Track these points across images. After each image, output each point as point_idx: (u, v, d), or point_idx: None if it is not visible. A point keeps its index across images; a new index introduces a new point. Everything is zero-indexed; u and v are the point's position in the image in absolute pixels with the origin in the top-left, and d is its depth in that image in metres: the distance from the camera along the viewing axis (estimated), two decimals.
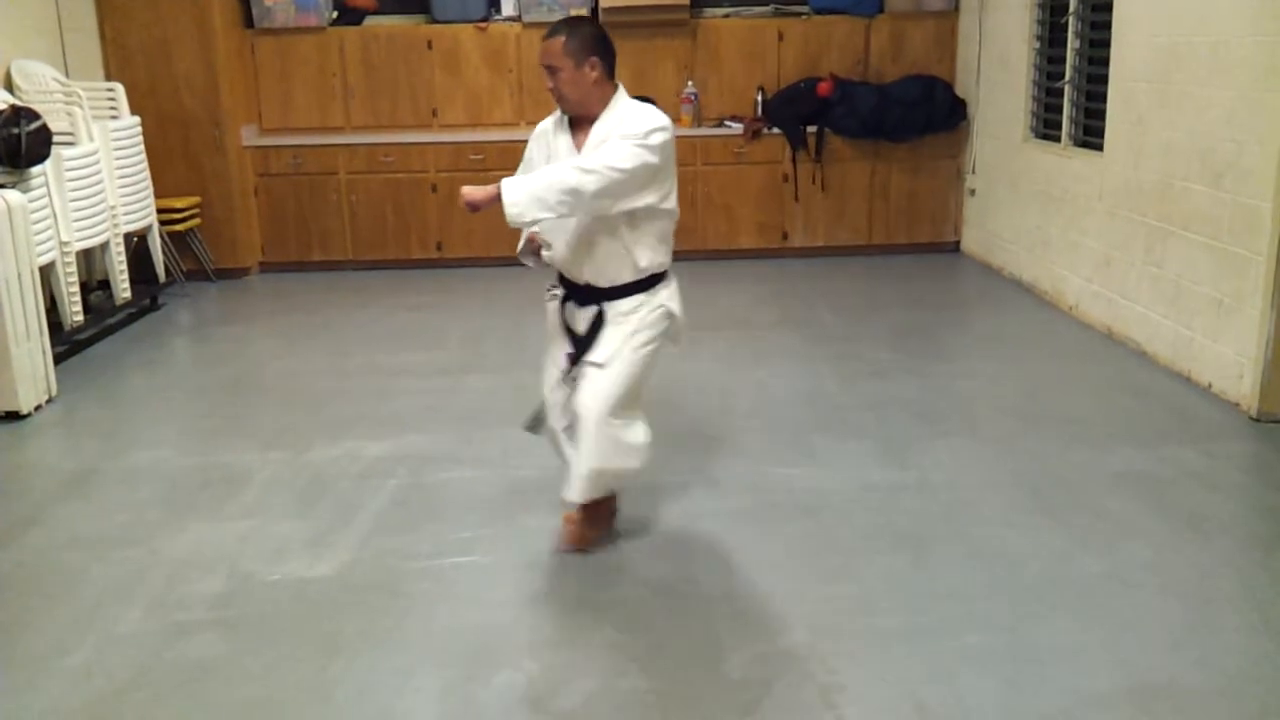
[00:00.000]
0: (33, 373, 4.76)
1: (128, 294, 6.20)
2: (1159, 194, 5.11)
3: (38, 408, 4.79)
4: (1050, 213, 6.29)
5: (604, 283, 3.21)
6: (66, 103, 5.84)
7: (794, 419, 4.56)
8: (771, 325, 6.01)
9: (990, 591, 3.14)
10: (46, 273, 5.29)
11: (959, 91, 7.48)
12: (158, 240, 6.63)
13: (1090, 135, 5.96)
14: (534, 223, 3.07)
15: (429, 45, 7.54)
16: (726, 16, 7.61)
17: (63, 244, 5.47)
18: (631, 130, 3.06)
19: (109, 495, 3.95)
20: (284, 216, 7.51)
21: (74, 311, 5.58)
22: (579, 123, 3.20)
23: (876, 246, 7.66)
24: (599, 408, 3.16)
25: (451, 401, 4.86)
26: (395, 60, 7.54)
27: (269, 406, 4.92)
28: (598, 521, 3.48)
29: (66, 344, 5.58)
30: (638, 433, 3.28)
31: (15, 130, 4.99)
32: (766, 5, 7.64)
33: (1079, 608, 3.05)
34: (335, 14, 7.55)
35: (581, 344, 3.26)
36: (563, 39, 3.09)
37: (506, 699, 2.69)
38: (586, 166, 3.00)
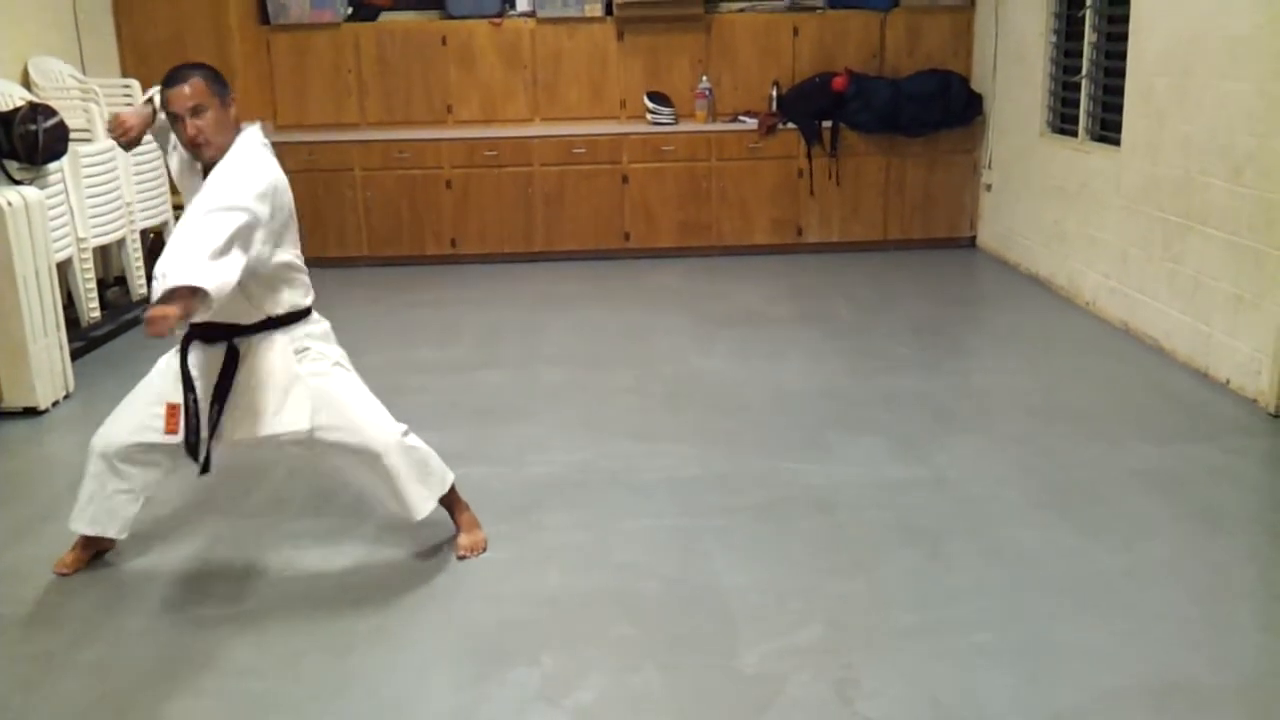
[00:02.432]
0: (50, 369, 4.78)
1: (144, 290, 6.21)
2: (1177, 189, 5.08)
3: (55, 404, 4.81)
4: (1067, 208, 6.26)
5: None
6: (83, 99, 5.87)
7: (808, 414, 4.55)
8: (786, 321, 5.99)
9: (1006, 588, 3.13)
10: (63, 269, 5.31)
11: (975, 86, 7.45)
12: None
13: (1108, 130, 5.92)
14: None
15: (443, 41, 7.54)
16: (741, 11, 7.59)
17: (79, 240, 5.49)
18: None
19: None
20: (299, 212, 7.40)
21: (91, 308, 5.61)
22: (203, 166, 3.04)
23: (892, 242, 7.63)
24: (390, 434, 3.18)
25: (466, 398, 4.86)
26: (410, 56, 7.55)
27: None
28: (472, 522, 3.46)
29: (83, 340, 5.59)
30: (413, 436, 3.27)
31: (32, 127, 5.00)
32: (781, 0, 7.62)
33: (1095, 604, 3.04)
34: (350, 10, 7.56)
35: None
36: (200, 78, 2.96)
37: (521, 694, 2.69)
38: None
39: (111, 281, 6.25)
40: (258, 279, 3.03)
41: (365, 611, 3.09)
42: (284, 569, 3.35)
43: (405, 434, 3.24)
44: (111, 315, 5.92)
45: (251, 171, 2.96)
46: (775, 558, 3.35)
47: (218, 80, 3.05)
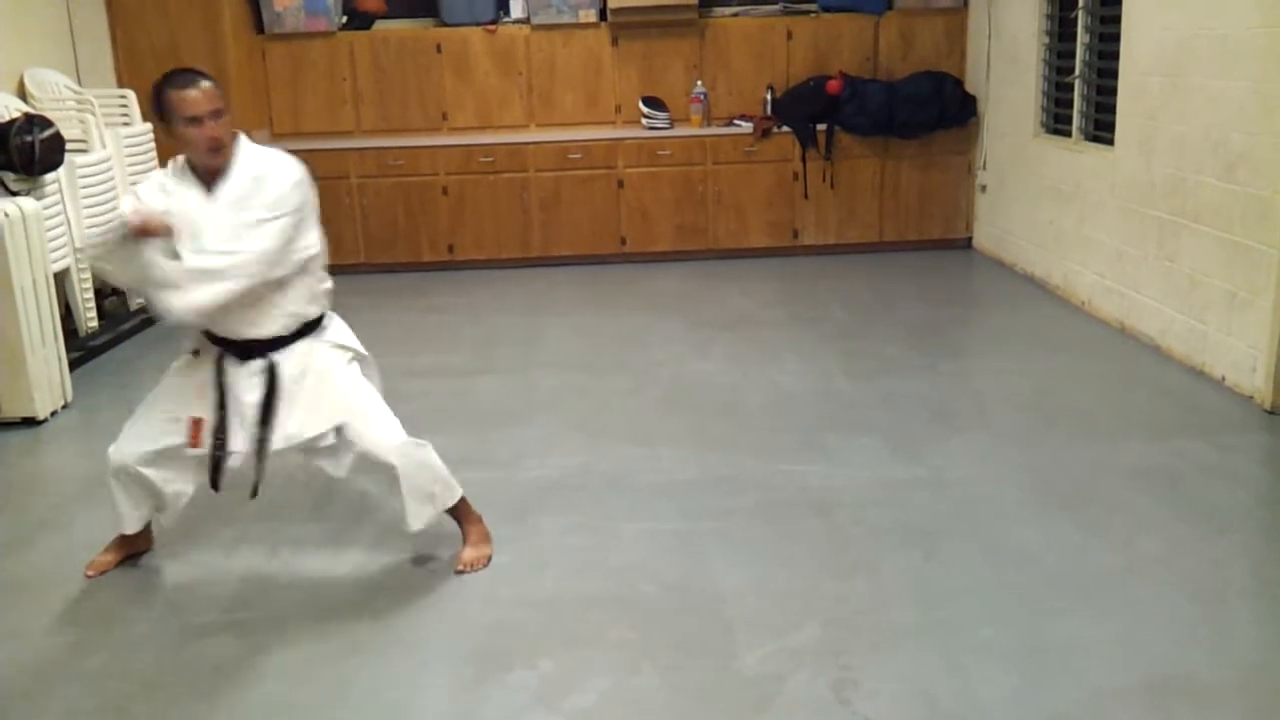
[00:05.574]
0: (48, 379, 4.79)
1: (141, 300, 6.22)
2: (1171, 188, 5.09)
3: (54, 413, 4.82)
4: (1062, 208, 6.27)
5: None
6: (79, 110, 5.88)
7: (805, 416, 4.56)
8: (782, 323, 6.01)
9: (1003, 587, 3.14)
10: (61, 279, 5.33)
11: (969, 87, 7.46)
12: None
13: (1101, 130, 5.94)
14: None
15: (438, 49, 7.56)
16: (735, 15, 7.61)
17: (77, 251, 5.50)
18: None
19: None
20: None
21: (88, 318, 5.62)
22: (203, 175, 3.01)
23: (888, 244, 7.64)
24: (396, 439, 3.18)
25: (464, 403, 4.87)
26: (405, 64, 7.57)
27: None
28: (480, 538, 3.43)
29: (81, 350, 5.60)
30: (428, 449, 3.27)
31: (29, 138, 5.02)
32: (775, 4, 7.64)
33: (1093, 602, 3.04)
34: (345, 18, 7.58)
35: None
36: (211, 83, 2.96)
37: (520, 697, 2.70)
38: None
39: (109, 292, 6.25)
40: (282, 285, 3.06)
41: (365, 616, 3.10)
42: (284, 574, 3.36)
43: (419, 446, 3.23)
44: (109, 325, 5.93)
45: (287, 169, 3.04)
46: (773, 559, 3.35)
47: (220, 88, 3.07)
